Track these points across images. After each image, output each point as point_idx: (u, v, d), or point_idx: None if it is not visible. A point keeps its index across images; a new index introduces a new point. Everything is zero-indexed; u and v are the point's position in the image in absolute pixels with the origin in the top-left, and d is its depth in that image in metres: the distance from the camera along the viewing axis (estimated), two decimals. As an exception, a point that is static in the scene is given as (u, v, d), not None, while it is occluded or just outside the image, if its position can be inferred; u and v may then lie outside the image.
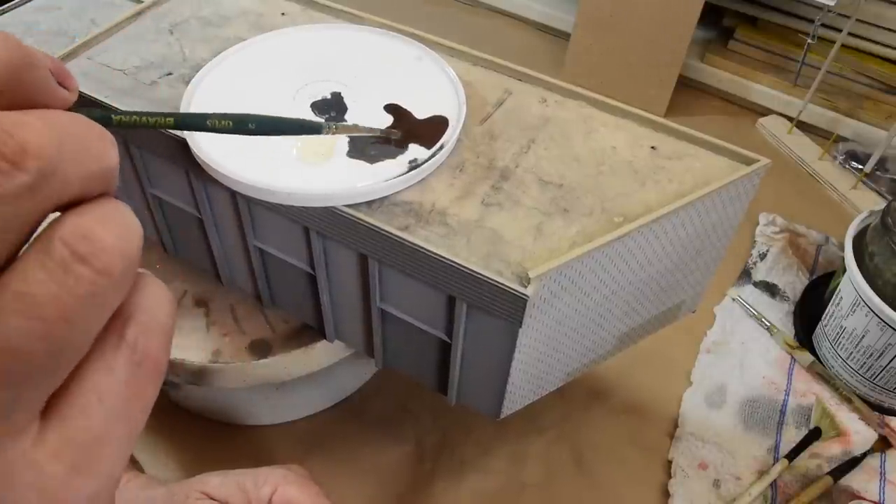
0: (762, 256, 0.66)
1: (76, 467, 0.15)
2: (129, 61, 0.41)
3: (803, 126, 0.80)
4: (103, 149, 0.16)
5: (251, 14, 0.45)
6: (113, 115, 0.20)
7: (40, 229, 0.15)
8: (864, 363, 0.53)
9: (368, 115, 0.37)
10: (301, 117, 0.27)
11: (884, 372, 0.52)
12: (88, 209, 0.15)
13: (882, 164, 0.74)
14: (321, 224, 0.35)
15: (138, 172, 0.42)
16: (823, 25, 0.72)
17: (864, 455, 0.51)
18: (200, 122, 0.23)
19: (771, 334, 0.59)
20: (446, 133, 0.36)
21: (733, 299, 0.62)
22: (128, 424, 0.16)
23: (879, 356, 0.52)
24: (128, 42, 0.42)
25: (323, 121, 0.28)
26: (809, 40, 0.73)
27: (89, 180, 0.15)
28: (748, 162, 0.37)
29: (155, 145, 0.38)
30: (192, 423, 0.53)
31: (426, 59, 0.41)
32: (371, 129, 0.34)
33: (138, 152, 0.40)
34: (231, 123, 0.23)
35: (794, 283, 0.64)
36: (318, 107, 0.38)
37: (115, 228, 0.15)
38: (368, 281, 0.36)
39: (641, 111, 0.39)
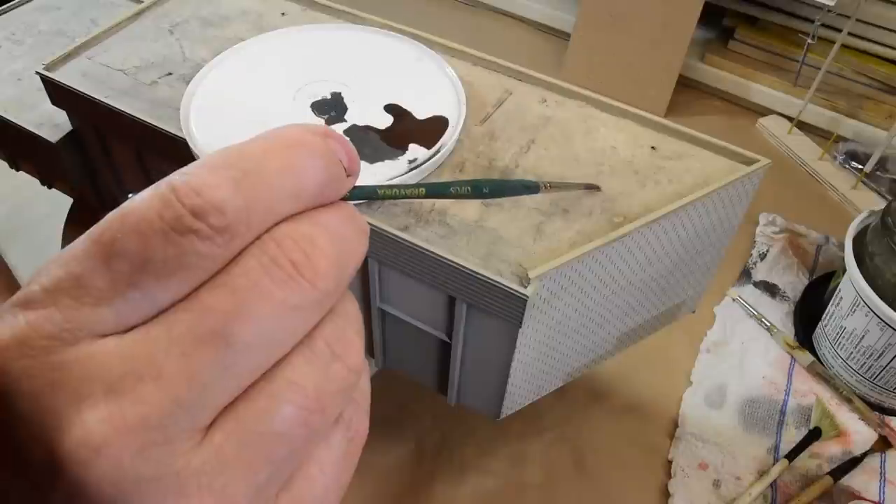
0: (762, 256, 0.66)
1: None
2: (129, 61, 0.41)
3: (803, 126, 0.80)
4: (362, 248, 0.17)
5: (251, 14, 0.45)
6: (378, 190, 0.21)
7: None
8: (864, 363, 0.53)
9: (368, 115, 0.37)
10: (520, 178, 0.33)
11: (884, 372, 0.52)
12: (341, 308, 0.16)
13: (882, 164, 0.74)
14: (321, 224, 0.35)
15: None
16: (823, 25, 0.72)
17: (864, 455, 0.51)
18: (445, 190, 0.26)
19: (771, 334, 0.59)
20: (446, 133, 0.36)
21: (733, 299, 0.62)
22: (340, 490, 0.18)
23: (879, 356, 0.52)
24: (128, 42, 0.42)
25: (538, 182, 0.31)
26: (809, 40, 0.73)
27: (348, 284, 0.17)
28: (748, 162, 0.37)
29: (155, 145, 0.38)
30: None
31: (426, 59, 0.41)
32: (574, 184, 0.36)
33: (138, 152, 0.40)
34: (470, 189, 0.26)
35: (794, 283, 0.64)
36: (317, 107, 0.38)
37: (359, 328, 0.17)
38: (368, 281, 0.36)
39: (641, 111, 0.39)
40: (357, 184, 0.18)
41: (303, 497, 0.16)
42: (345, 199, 0.17)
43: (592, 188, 0.35)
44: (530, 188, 0.31)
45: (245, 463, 0.15)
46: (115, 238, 0.14)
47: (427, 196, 0.23)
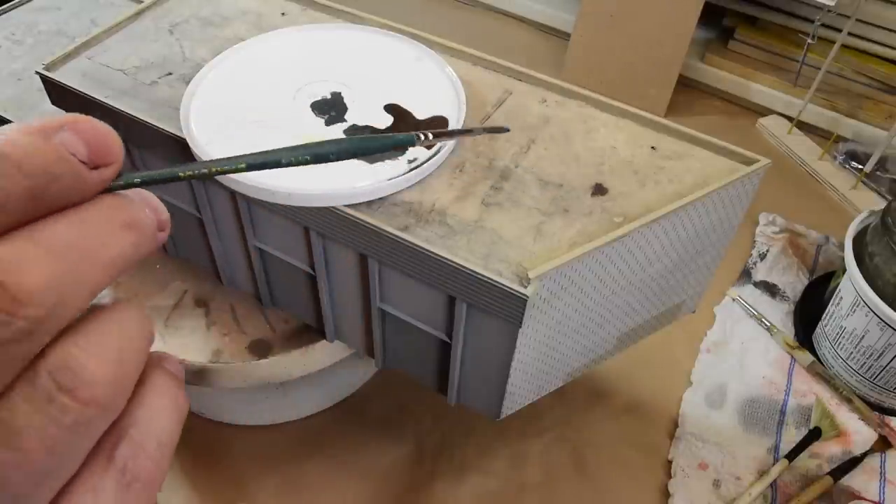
0: (762, 256, 0.66)
1: None
2: (129, 61, 0.41)
3: (803, 126, 0.80)
4: (123, 245, 0.15)
5: (251, 14, 0.45)
6: (177, 172, 0.18)
7: None
8: (864, 363, 0.53)
9: (368, 115, 0.37)
10: (394, 134, 0.25)
11: (884, 372, 0.52)
12: (80, 333, 0.15)
13: (882, 164, 0.74)
14: (321, 224, 0.35)
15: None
16: (823, 25, 0.72)
17: (864, 455, 0.51)
18: (275, 160, 0.21)
19: (771, 334, 0.59)
20: (446, 133, 0.36)
21: (733, 299, 0.62)
22: None
23: (879, 356, 0.52)
24: (128, 42, 0.42)
25: (412, 135, 0.26)
26: (809, 40, 0.73)
27: (93, 297, 0.15)
28: (748, 162, 0.37)
29: (155, 145, 0.38)
30: (191, 423, 0.53)
31: (426, 59, 0.41)
32: (469, 130, 0.32)
33: (137, 152, 0.40)
34: (309, 157, 0.21)
35: (794, 283, 0.64)
36: (318, 107, 0.38)
37: (108, 352, 0.15)
38: (368, 281, 0.36)
39: (641, 111, 0.39)
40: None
41: None
42: (113, 189, 0.16)
43: (498, 130, 0.33)
44: (401, 143, 0.27)
45: None
46: None
47: (248, 169, 0.20)
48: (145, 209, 0.16)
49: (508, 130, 0.34)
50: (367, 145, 0.24)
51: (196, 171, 0.18)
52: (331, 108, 0.38)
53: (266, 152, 0.20)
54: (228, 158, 0.19)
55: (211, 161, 0.19)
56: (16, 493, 0.14)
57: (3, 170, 0.14)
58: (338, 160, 0.23)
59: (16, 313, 0.13)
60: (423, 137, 0.28)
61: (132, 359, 0.15)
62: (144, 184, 0.17)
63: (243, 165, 0.19)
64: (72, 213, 0.15)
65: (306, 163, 0.22)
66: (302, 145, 0.22)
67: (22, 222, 0.14)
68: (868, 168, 0.72)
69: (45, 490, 0.15)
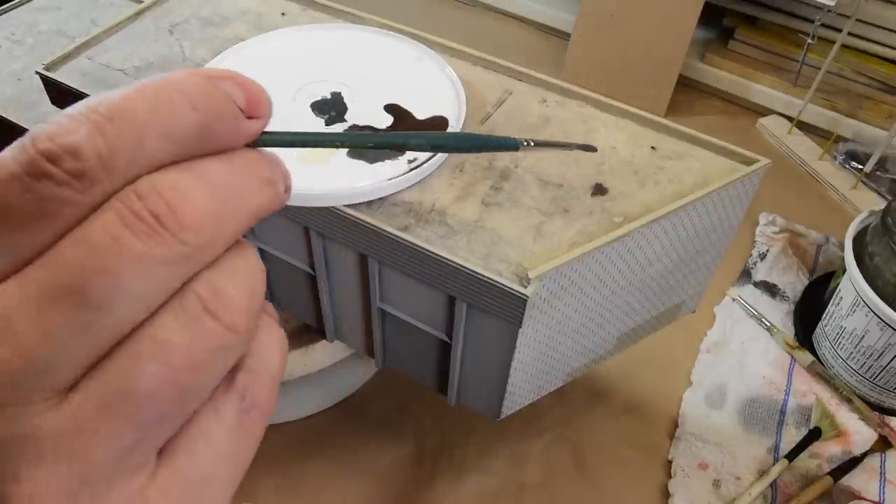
0: (762, 256, 0.66)
1: None
2: (129, 61, 0.41)
3: (803, 126, 0.80)
4: (263, 198, 0.16)
5: (251, 14, 0.45)
6: (302, 138, 0.19)
7: None
8: (864, 363, 0.53)
9: (368, 115, 0.37)
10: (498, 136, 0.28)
11: (884, 372, 0.52)
12: (224, 263, 0.15)
13: (882, 164, 0.73)
14: (321, 224, 0.35)
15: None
16: (823, 25, 0.72)
17: (864, 455, 0.51)
18: (401, 143, 0.22)
19: (771, 334, 0.59)
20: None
21: (733, 299, 0.62)
22: (233, 466, 0.17)
23: (879, 356, 0.52)
24: (128, 42, 0.42)
25: (517, 140, 0.28)
26: (809, 40, 0.73)
27: (234, 240, 0.16)
28: (748, 162, 0.37)
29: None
30: (192, 424, 0.53)
31: (426, 59, 0.41)
32: (562, 143, 0.34)
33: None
34: (426, 143, 0.23)
35: (794, 283, 0.64)
36: (318, 107, 0.38)
37: (244, 285, 0.16)
38: (368, 281, 0.36)
39: (641, 111, 0.39)
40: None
41: (185, 470, 0.16)
42: (255, 145, 0.17)
43: (587, 149, 0.34)
44: (505, 146, 0.29)
45: (105, 426, 0.14)
46: None
47: (376, 146, 0.21)
48: (278, 170, 0.17)
49: (596, 150, 0.35)
50: (479, 142, 0.27)
51: (328, 141, 0.20)
52: (331, 107, 0.38)
53: (395, 134, 0.23)
54: (358, 134, 0.21)
55: (338, 134, 0.20)
56: (162, 409, 0.15)
57: (178, 103, 0.15)
58: (452, 151, 0.26)
59: (180, 236, 0.14)
60: (529, 144, 0.30)
61: (260, 292, 0.16)
62: (284, 145, 0.18)
63: (371, 144, 0.21)
64: (226, 158, 0.16)
65: (428, 149, 0.23)
66: (425, 133, 0.24)
67: (186, 157, 0.15)
68: (868, 168, 0.72)
69: (185, 409, 0.15)
